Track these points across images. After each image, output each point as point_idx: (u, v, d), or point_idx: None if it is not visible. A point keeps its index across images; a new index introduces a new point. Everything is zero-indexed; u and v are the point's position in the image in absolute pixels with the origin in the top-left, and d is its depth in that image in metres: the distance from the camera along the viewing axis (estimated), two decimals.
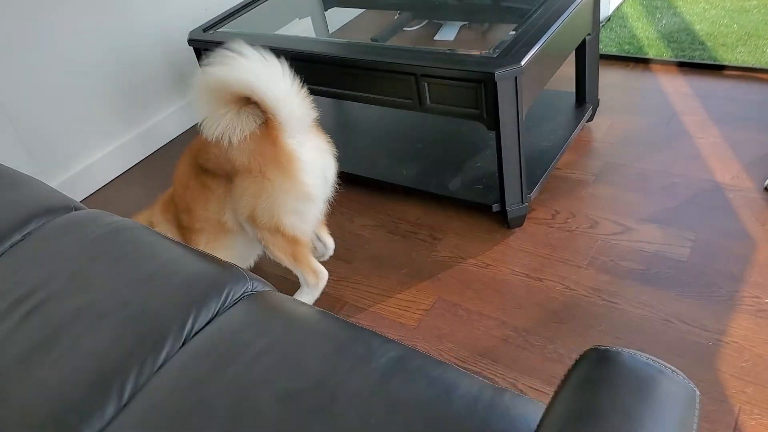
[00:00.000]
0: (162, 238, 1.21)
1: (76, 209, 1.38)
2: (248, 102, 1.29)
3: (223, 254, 1.33)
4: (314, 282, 1.55)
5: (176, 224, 1.55)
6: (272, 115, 1.29)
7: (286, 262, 1.50)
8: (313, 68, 1.81)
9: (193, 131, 2.69)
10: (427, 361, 0.82)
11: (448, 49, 1.65)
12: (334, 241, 1.78)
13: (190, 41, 2.07)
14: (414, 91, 1.64)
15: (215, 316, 0.98)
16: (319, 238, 1.71)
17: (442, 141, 2.10)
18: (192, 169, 1.47)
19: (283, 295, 1.05)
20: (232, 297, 1.02)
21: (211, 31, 2.09)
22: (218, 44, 2.01)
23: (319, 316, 0.94)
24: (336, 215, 1.97)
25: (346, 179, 2.09)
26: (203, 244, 1.52)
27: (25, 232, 1.28)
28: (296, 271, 1.54)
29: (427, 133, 2.15)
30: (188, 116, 2.71)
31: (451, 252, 1.75)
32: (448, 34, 2.70)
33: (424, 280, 1.67)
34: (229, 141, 1.30)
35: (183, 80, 2.64)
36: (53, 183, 2.26)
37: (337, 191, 2.11)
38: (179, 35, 2.56)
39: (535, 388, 1.33)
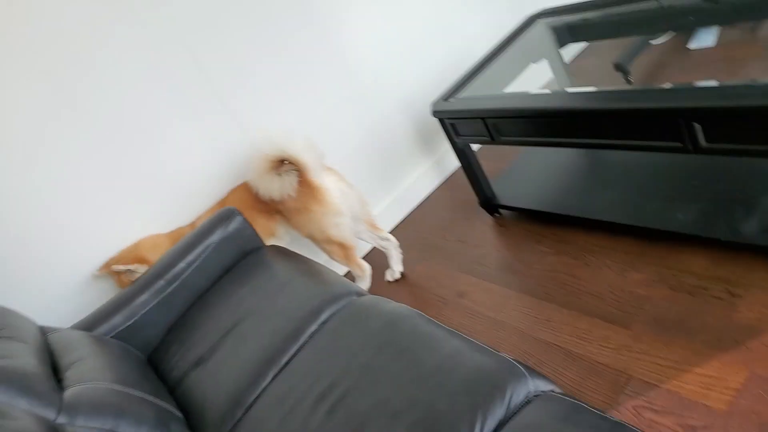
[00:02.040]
0: (437, 327, 1.24)
1: (357, 295, 1.51)
2: (282, 164, 1.91)
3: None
4: (361, 273, 2.17)
5: None
6: (301, 165, 1.90)
7: (341, 261, 2.11)
8: (557, 122, 1.73)
9: (442, 188, 2.81)
10: None
11: (720, 83, 1.40)
12: (604, 299, 1.64)
13: (435, 112, 2.16)
14: (683, 133, 1.43)
15: (501, 425, 0.95)
16: (380, 238, 2.30)
17: (723, 176, 1.79)
18: (251, 198, 2.03)
19: (563, 399, 0.97)
20: (514, 400, 0.98)
21: (451, 99, 2.16)
22: (459, 112, 2.09)
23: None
24: (603, 270, 1.82)
25: (607, 229, 1.93)
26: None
27: (320, 321, 1.44)
28: (349, 267, 2.16)
29: (701, 169, 1.86)
30: (435, 175, 2.82)
31: (759, 313, 1.45)
32: (705, 39, 2.35)
33: (728, 349, 1.41)
34: (289, 198, 1.95)
35: (427, 142, 2.77)
36: None
37: (598, 244, 1.95)
38: (420, 101, 2.70)
39: None
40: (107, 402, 1.23)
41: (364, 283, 2.21)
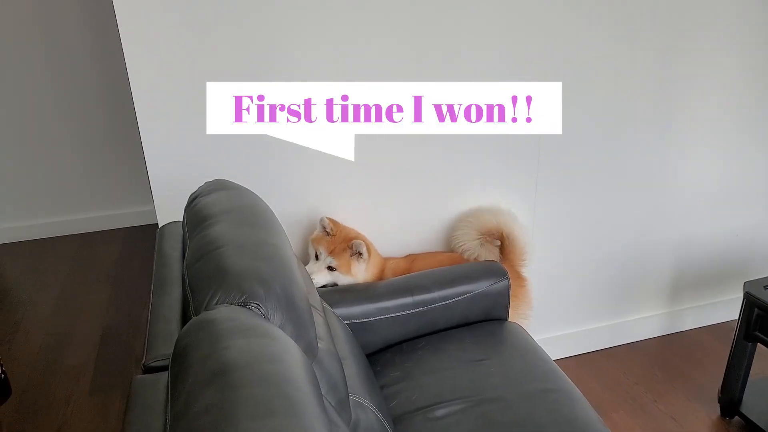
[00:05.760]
0: None
1: None
2: (491, 239, 1.90)
3: None
4: None
5: None
6: (512, 246, 1.89)
7: None
8: None
9: (664, 340, 2.52)
10: None
11: None
12: None
13: (747, 294, 1.89)
14: None
15: None
16: None
17: None
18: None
19: None
20: None
21: None
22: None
23: None
24: None
25: None
26: None
27: None
28: None
29: None
30: (663, 325, 2.55)
31: None
32: None
33: None
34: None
35: (681, 289, 2.50)
36: None
37: None
38: (703, 245, 2.44)
39: None
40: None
41: None
